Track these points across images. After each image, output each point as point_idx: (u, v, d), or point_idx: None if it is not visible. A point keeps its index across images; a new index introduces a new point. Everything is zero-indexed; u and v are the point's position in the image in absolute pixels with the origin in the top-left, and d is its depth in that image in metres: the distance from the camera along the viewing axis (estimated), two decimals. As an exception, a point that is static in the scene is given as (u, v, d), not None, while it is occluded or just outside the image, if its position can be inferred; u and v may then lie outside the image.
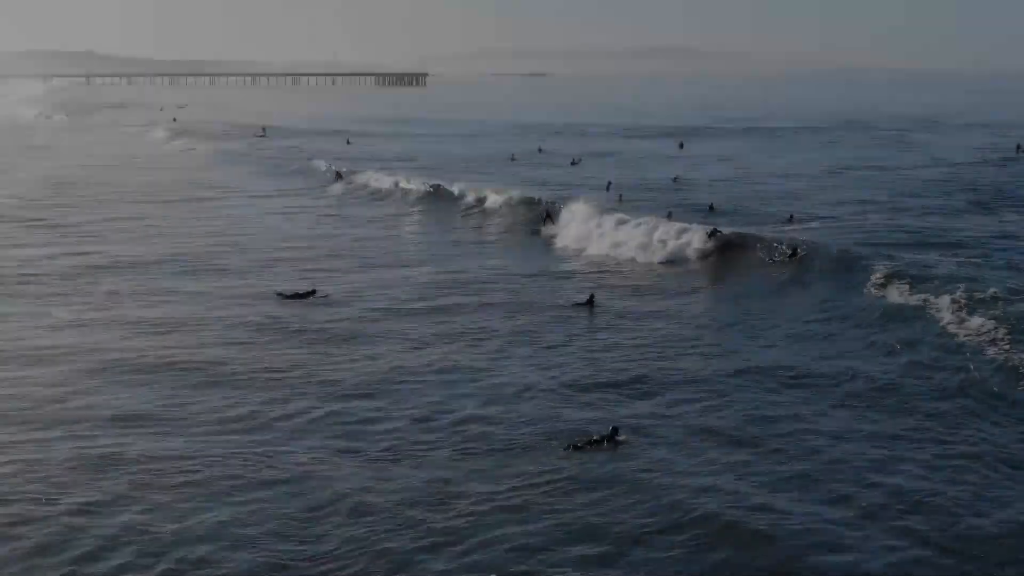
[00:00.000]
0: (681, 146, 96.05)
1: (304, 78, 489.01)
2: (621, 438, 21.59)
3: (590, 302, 34.17)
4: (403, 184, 64.13)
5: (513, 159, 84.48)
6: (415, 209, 59.17)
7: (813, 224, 48.97)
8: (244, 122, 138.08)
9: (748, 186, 66.43)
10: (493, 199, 56.19)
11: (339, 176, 70.88)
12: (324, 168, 75.55)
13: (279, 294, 35.19)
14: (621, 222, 46.62)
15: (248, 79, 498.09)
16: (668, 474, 20.11)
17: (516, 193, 56.57)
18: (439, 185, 62.06)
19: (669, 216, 49.38)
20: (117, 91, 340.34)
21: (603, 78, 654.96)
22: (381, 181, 67.32)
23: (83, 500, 19.03)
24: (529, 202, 55.00)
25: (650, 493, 19.22)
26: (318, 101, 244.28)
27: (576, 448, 21.26)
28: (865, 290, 34.00)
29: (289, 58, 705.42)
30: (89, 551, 17.28)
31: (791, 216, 50.82)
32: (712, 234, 43.15)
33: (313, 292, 35.09)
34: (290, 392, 25.16)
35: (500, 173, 72.91)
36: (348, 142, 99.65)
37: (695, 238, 43.25)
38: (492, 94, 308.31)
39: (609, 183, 63.17)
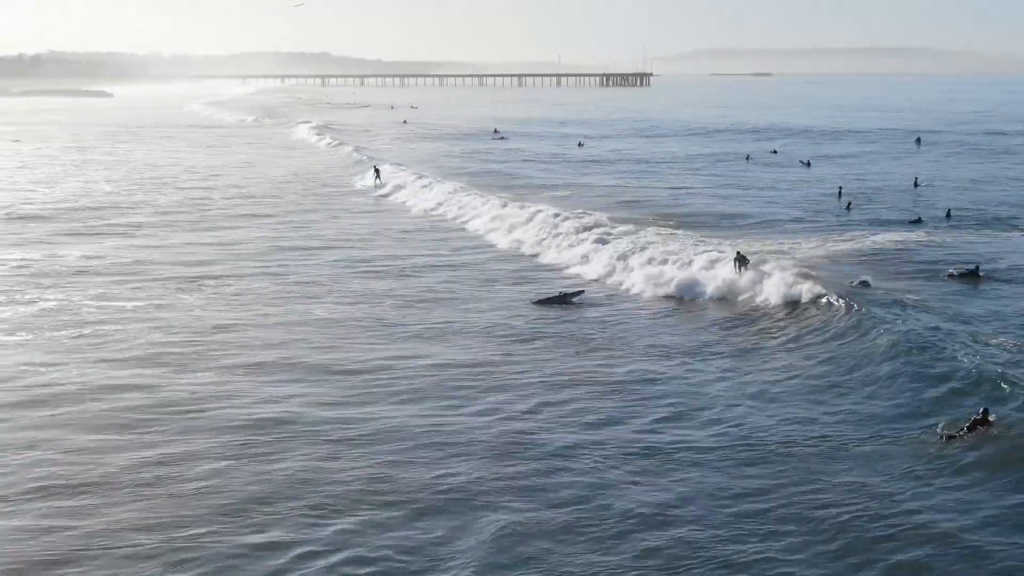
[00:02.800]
0: (918, 142, 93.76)
1: (529, 78, 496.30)
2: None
3: None
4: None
5: (748, 159, 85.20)
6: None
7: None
8: (475, 122, 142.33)
9: (997, 191, 64.50)
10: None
11: (377, 173, 71.09)
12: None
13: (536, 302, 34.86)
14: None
15: (475, 80, 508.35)
16: None
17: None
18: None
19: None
20: (349, 92, 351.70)
21: (829, 77, 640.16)
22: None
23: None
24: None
25: None
26: (542, 101, 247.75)
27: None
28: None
29: (514, 59, 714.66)
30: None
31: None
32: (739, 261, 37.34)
33: (576, 294, 35.59)
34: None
35: (733, 176, 73.82)
36: (580, 144, 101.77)
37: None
38: (717, 93, 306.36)
39: (840, 189, 62.86)
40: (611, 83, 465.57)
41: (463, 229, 52.00)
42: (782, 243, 44.76)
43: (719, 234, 46.98)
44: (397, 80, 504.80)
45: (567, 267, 41.81)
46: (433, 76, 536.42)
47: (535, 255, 44.78)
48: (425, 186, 66.62)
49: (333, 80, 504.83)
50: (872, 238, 46.12)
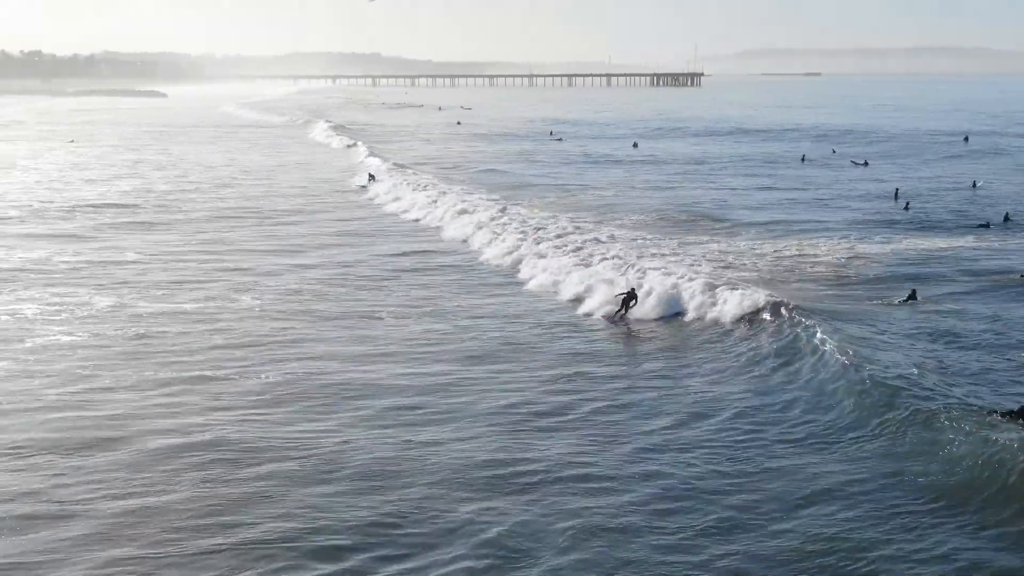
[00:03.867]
0: (966, 139, 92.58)
1: (579, 79, 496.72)
2: None
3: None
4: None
5: (804, 159, 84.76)
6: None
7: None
8: (530, 123, 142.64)
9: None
10: None
11: (371, 178, 69.76)
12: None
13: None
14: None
15: (525, 80, 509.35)
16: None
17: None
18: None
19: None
20: (401, 92, 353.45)
21: (880, 77, 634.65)
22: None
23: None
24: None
25: None
26: (594, 101, 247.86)
27: None
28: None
29: (564, 59, 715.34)
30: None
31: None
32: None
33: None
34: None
35: (789, 176, 73.51)
36: (635, 145, 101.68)
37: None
38: (768, 93, 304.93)
39: (896, 190, 62.42)
40: (661, 83, 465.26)
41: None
42: (838, 244, 44.18)
43: (774, 236, 46.56)
44: (447, 80, 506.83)
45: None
46: (483, 76, 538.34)
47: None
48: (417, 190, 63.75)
49: (384, 80, 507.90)
50: (930, 241, 45.31)
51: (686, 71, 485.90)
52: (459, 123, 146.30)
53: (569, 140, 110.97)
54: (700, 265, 38.67)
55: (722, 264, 39.52)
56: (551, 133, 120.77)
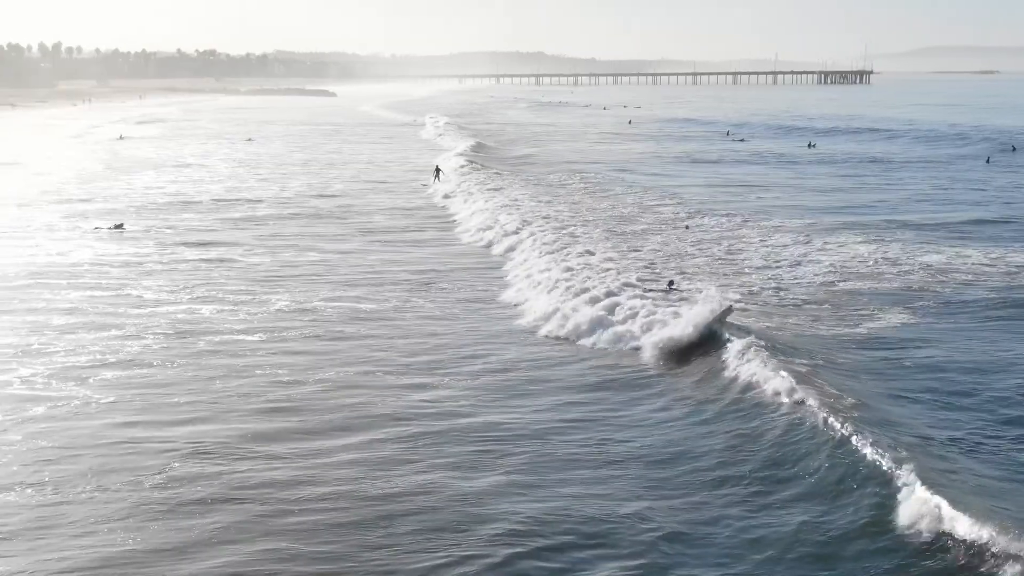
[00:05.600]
0: None
1: (743, 77, 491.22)
2: None
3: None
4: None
5: (988, 161, 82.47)
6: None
7: None
8: (704, 123, 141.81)
9: None
10: None
11: (437, 172, 68.73)
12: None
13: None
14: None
15: (688, 78, 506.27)
16: None
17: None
18: None
19: None
20: (566, 91, 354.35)
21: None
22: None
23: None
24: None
25: None
26: (763, 99, 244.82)
27: None
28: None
29: (730, 57, 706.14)
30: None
31: None
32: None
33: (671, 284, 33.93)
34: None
35: (972, 179, 71.64)
36: (811, 145, 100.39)
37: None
38: (942, 92, 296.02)
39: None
40: (829, 81, 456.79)
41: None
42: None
43: (951, 240, 44.22)
44: (610, 79, 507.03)
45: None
46: (646, 75, 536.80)
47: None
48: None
49: (547, 80, 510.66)
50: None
51: (855, 69, 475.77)
52: (630, 122, 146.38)
53: (756, 140, 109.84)
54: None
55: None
56: (728, 133, 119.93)
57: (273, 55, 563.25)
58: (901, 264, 38.72)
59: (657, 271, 37.48)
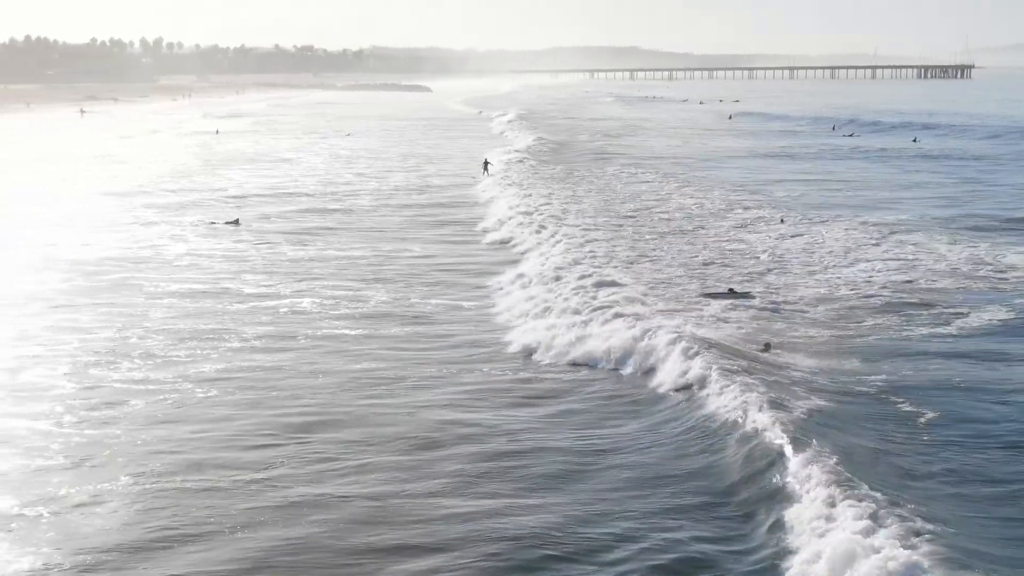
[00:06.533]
0: None
1: (841, 71, 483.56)
2: None
3: None
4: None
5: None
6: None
7: None
8: (809, 120, 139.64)
9: None
10: None
11: (486, 166, 69.22)
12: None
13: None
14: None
15: (785, 72, 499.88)
16: None
17: None
18: None
19: None
20: (662, 86, 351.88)
21: None
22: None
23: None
24: None
25: None
26: (862, 94, 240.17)
27: None
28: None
29: (828, 51, 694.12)
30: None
31: None
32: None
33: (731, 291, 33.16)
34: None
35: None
36: (915, 140, 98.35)
37: None
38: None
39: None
40: (929, 75, 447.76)
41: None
42: None
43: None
44: (705, 74, 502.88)
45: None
46: (742, 69, 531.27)
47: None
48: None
49: (641, 74, 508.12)
50: None
51: (955, 63, 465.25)
52: (731, 117, 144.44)
53: (868, 134, 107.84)
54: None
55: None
56: (833, 128, 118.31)
57: (369, 50, 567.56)
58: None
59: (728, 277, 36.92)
